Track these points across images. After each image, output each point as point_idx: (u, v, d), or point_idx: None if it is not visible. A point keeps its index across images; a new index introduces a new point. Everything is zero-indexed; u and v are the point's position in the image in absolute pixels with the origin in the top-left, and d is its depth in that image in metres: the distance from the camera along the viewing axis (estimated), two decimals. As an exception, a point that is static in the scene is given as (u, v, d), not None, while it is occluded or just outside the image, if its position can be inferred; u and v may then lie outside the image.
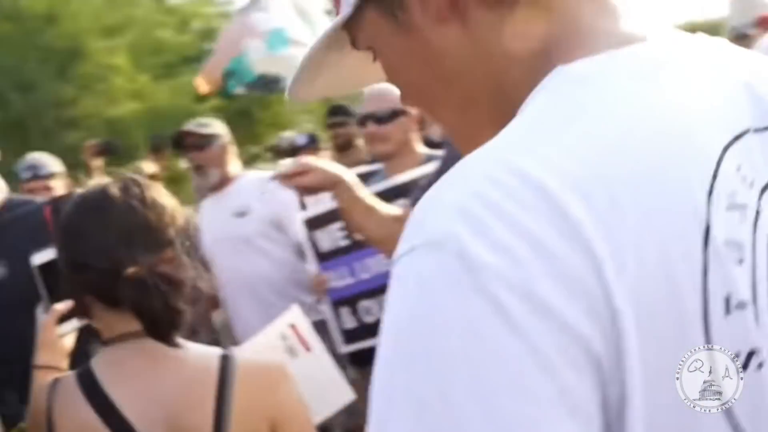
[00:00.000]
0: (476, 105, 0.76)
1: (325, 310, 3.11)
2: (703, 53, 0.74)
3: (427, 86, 0.78)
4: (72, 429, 1.49)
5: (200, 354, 1.55)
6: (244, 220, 3.74)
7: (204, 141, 3.85)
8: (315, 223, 3.09)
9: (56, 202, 1.63)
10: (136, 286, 1.47)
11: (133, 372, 1.51)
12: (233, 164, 3.93)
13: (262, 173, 4.04)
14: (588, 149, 0.62)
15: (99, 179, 1.64)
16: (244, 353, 1.55)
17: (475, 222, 0.59)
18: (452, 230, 0.59)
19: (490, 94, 0.75)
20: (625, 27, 0.73)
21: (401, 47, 0.76)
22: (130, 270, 1.46)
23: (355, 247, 2.97)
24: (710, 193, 0.64)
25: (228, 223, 3.74)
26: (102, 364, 1.54)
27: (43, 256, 1.74)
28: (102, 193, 1.54)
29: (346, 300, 3.05)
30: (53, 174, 3.99)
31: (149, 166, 5.38)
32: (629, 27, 0.74)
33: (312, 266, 3.15)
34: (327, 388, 1.97)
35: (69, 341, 1.71)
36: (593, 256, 0.59)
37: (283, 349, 1.93)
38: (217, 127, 3.96)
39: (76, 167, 5.68)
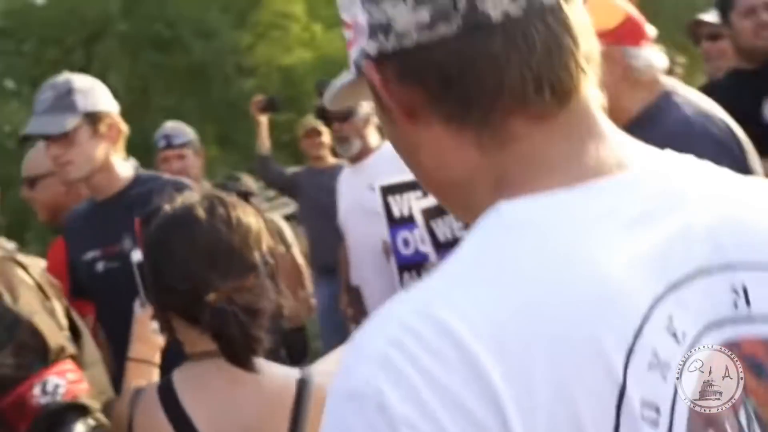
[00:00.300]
0: (452, 196, 0.80)
1: None
2: (668, 187, 0.73)
3: (411, 167, 0.82)
4: None
5: (277, 377, 1.55)
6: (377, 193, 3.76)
7: (347, 111, 3.87)
8: (433, 213, 3.09)
9: (147, 216, 1.66)
10: (215, 313, 1.48)
11: (211, 391, 1.53)
12: (373, 136, 3.94)
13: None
14: (508, 307, 0.64)
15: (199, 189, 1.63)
16: (321, 377, 1.54)
17: (394, 373, 0.63)
18: (373, 382, 0.64)
19: (458, 194, 0.79)
20: (596, 157, 0.73)
21: (389, 127, 0.80)
22: (211, 297, 1.48)
23: None
24: (630, 352, 0.64)
25: (363, 196, 3.76)
26: (182, 378, 1.57)
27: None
28: (187, 213, 1.55)
29: None
30: (186, 143, 4.10)
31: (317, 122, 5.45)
32: (602, 156, 0.73)
33: (430, 255, 3.15)
34: None
35: (162, 337, 1.77)
36: (502, 413, 0.61)
37: None
38: None
39: (249, 116, 5.89)
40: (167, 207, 1.61)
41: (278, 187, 6.24)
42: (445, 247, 3.10)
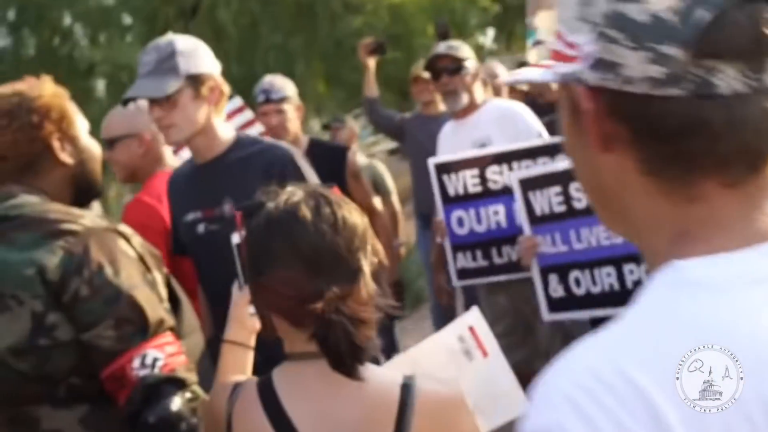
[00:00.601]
0: (619, 224, 0.87)
1: (533, 274, 3.00)
2: None
3: (582, 182, 0.89)
4: None
5: (381, 383, 1.50)
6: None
7: (457, 64, 3.77)
8: (531, 184, 2.96)
9: (248, 210, 1.61)
10: (321, 322, 1.44)
11: (312, 393, 1.50)
12: (479, 91, 3.84)
13: (504, 102, 3.91)
14: (682, 362, 0.71)
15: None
16: (424, 381, 1.50)
17: (581, 414, 0.70)
18: (561, 421, 0.71)
19: (626, 226, 0.86)
20: None
21: (575, 142, 0.86)
22: (318, 305, 1.43)
23: (572, 215, 2.84)
24: None
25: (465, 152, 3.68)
26: (282, 377, 1.53)
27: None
28: (292, 215, 1.49)
29: (556, 268, 2.94)
30: (285, 98, 4.01)
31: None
32: None
33: (524, 228, 3.03)
34: (500, 396, 1.90)
35: (258, 321, 1.75)
36: None
37: (461, 351, 1.88)
38: (468, 51, 3.87)
39: (356, 53, 5.86)
40: (270, 205, 1.54)
41: (385, 131, 6.18)
42: (540, 221, 2.98)
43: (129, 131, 3.18)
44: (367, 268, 1.50)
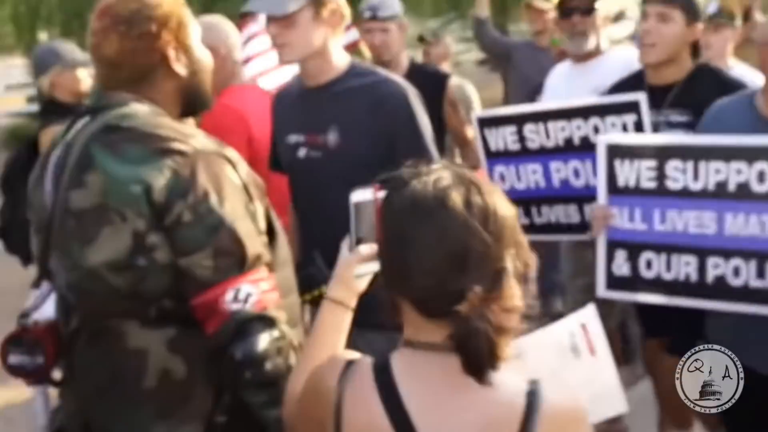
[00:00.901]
0: None
1: (598, 245, 2.79)
2: None
3: None
4: (360, 426, 1.43)
5: (507, 389, 1.40)
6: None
7: (590, 5, 3.60)
8: (621, 152, 2.72)
9: (388, 183, 1.48)
10: (463, 325, 1.34)
11: (434, 389, 1.41)
12: (605, 38, 3.66)
13: (628, 52, 3.73)
14: None
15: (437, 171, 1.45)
16: (551, 390, 1.40)
17: None
18: None
19: None
20: None
21: None
22: (461, 307, 1.33)
23: (661, 194, 2.64)
24: None
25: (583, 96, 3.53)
26: (402, 367, 1.44)
27: (362, 195, 1.68)
28: (440, 201, 1.37)
29: (627, 244, 2.73)
30: (392, 17, 3.89)
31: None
32: None
33: (600, 196, 2.77)
34: (602, 394, 1.84)
35: (364, 283, 1.67)
36: None
37: (568, 345, 1.81)
38: None
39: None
40: (416, 185, 1.42)
41: (491, 53, 6.02)
42: (620, 192, 2.72)
43: (204, 43, 3.13)
44: (513, 267, 1.39)
